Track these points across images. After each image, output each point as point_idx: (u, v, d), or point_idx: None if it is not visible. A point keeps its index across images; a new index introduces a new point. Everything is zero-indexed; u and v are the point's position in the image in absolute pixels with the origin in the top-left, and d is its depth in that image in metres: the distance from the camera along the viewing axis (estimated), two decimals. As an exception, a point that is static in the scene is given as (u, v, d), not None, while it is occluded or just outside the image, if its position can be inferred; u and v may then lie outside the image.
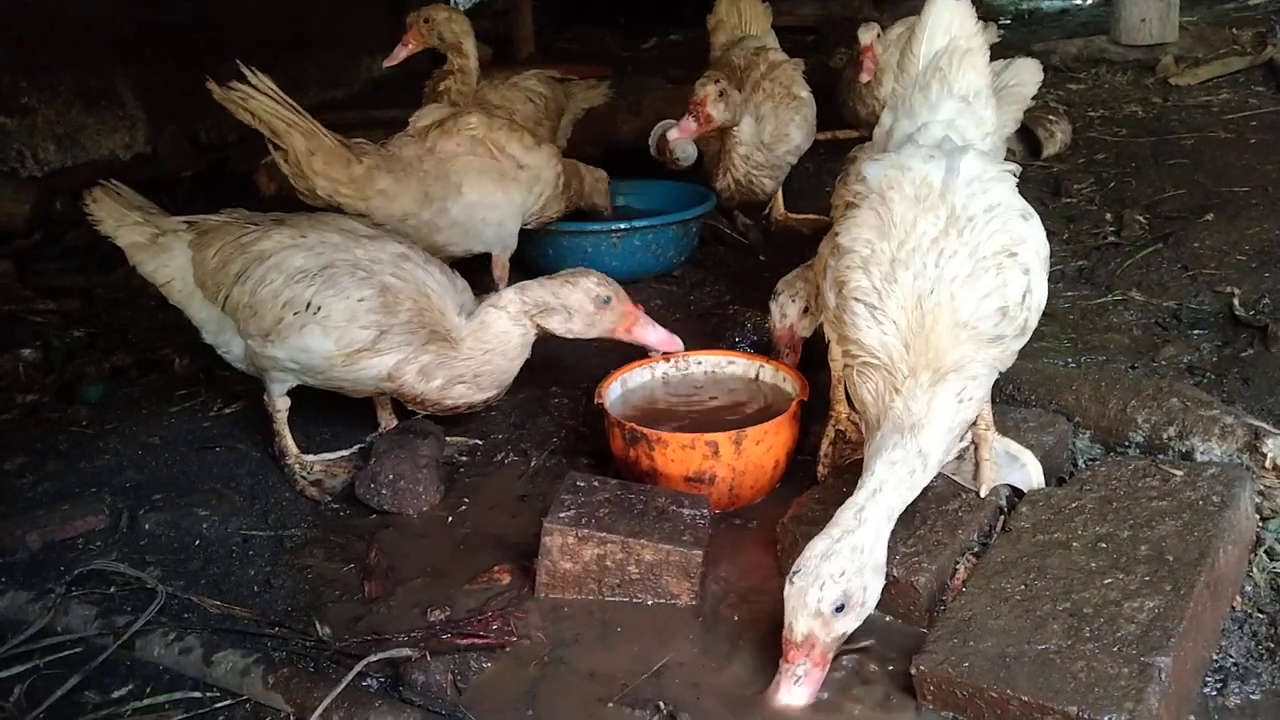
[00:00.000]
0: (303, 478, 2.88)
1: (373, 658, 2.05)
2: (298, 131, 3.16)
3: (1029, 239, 2.11)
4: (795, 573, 1.93)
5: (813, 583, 1.90)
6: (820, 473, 2.68)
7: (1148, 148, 5.60)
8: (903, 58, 2.54)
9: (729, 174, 4.33)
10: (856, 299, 2.09)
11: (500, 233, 3.62)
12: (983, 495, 2.35)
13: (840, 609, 1.90)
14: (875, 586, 1.96)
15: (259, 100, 3.10)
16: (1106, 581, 2.01)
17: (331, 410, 3.16)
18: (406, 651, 2.06)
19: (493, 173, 3.55)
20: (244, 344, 2.79)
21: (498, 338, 2.74)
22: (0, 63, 5.94)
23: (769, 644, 2.20)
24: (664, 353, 2.92)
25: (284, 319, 2.65)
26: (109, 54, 6.50)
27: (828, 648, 1.95)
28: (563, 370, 3.45)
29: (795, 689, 1.94)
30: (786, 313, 2.97)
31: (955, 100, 2.41)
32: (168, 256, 2.86)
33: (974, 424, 2.37)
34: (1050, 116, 5.97)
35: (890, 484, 2.00)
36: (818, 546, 1.94)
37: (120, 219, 2.91)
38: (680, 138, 4.02)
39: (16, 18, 5.91)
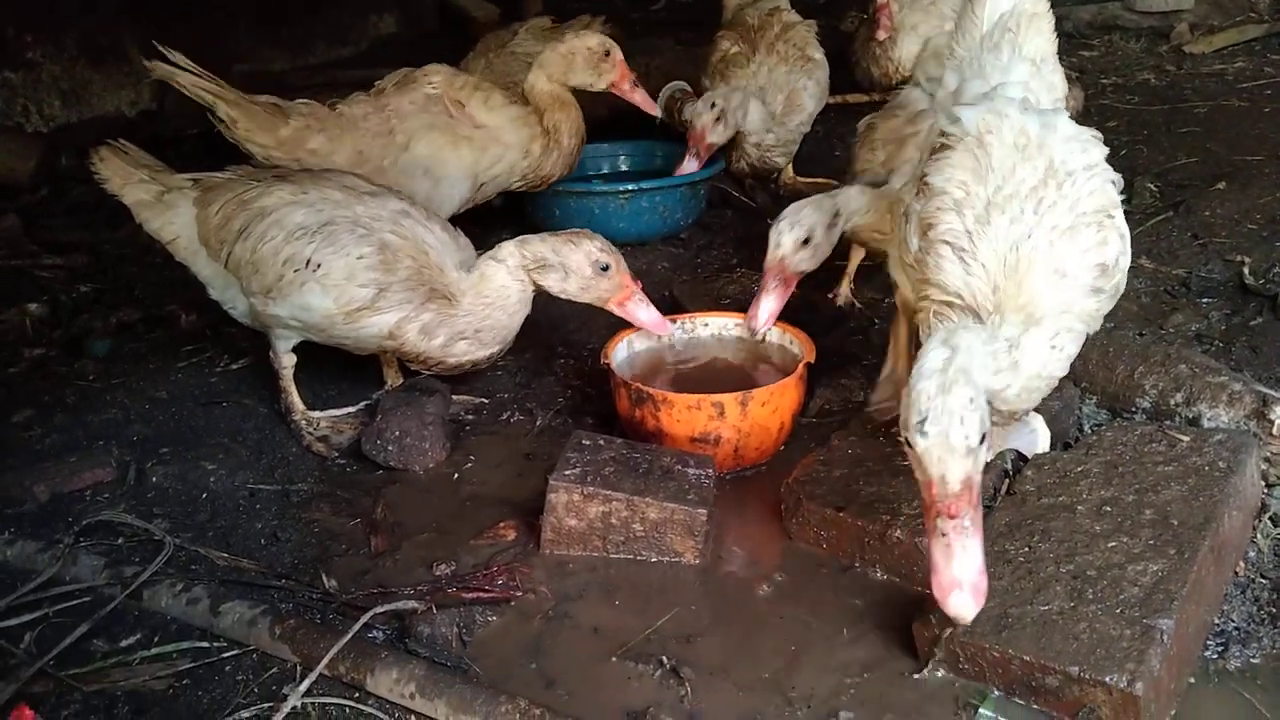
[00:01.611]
0: (309, 433, 2.89)
1: (379, 609, 2.06)
2: (222, 101, 3.25)
3: (1120, 206, 2.09)
4: (922, 421, 1.74)
5: (951, 421, 1.73)
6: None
7: (1160, 116, 5.56)
8: (962, 18, 2.50)
9: (743, 159, 4.33)
10: (946, 241, 2.04)
11: (435, 193, 3.46)
12: (988, 458, 2.34)
13: (983, 439, 1.76)
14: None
15: (184, 76, 3.21)
16: (1110, 545, 2.01)
17: (337, 368, 3.17)
18: (412, 604, 2.08)
19: (443, 130, 3.46)
20: (248, 301, 2.79)
21: (497, 292, 2.73)
22: (5, 16, 5.89)
23: (774, 602, 2.22)
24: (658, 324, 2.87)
25: (285, 276, 2.65)
26: (116, 9, 6.45)
27: (979, 487, 1.77)
28: (569, 331, 3.45)
29: (970, 544, 1.74)
30: (781, 241, 2.79)
31: (1027, 63, 2.36)
32: (173, 214, 2.86)
33: None
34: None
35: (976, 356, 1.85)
36: (929, 386, 1.77)
37: (126, 177, 2.91)
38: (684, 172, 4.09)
39: (24, -28, 5.88)
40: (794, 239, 2.77)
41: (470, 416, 3.03)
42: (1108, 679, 1.74)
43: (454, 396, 3.01)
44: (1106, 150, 2.12)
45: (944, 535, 1.74)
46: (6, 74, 6.04)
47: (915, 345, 2.44)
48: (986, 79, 2.37)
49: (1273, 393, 2.39)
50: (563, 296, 2.78)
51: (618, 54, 3.69)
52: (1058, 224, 1.97)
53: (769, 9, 4.70)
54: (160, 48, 3.19)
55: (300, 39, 7.81)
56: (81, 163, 3.02)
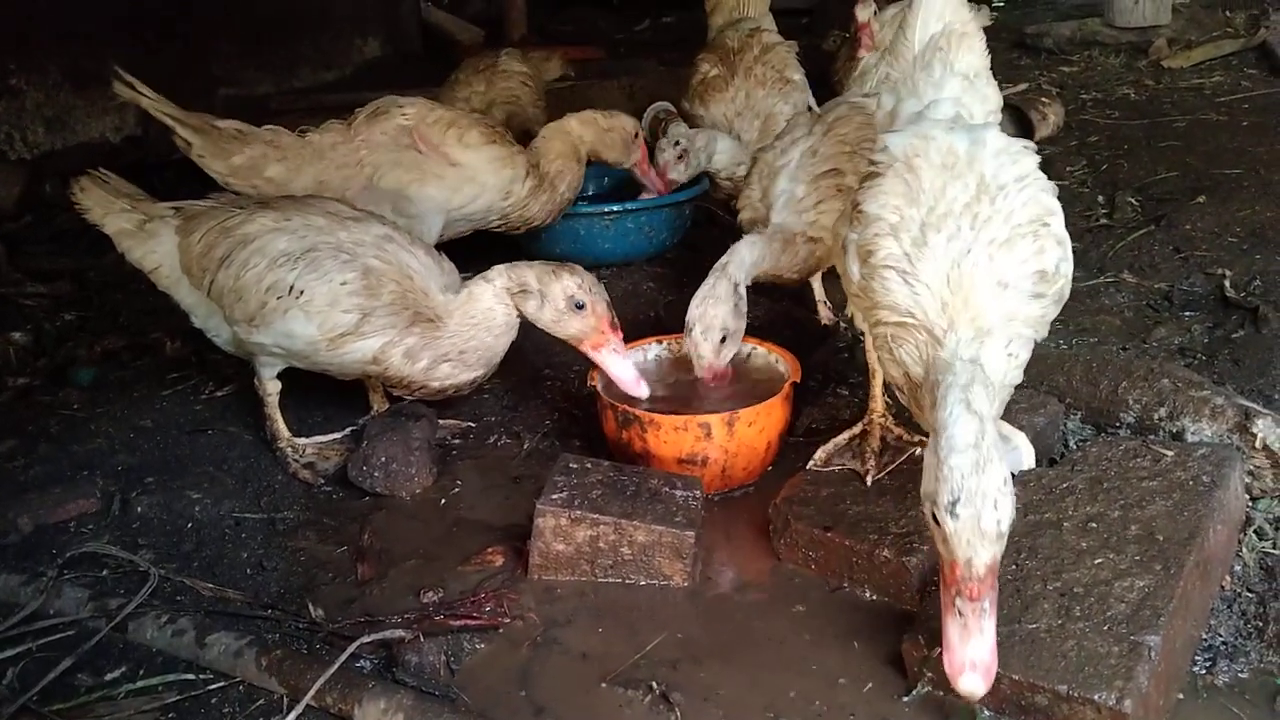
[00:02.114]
0: (295, 461, 2.88)
1: (365, 639, 2.05)
2: (180, 124, 3.24)
3: (1057, 212, 2.10)
4: (954, 502, 1.71)
5: (985, 504, 1.70)
6: (868, 475, 2.49)
7: (1140, 130, 5.61)
8: (895, 41, 2.54)
9: (718, 192, 4.32)
10: (887, 265, 2.05)
11: (414, 228, 3.32)
12: None
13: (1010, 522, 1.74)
14: None
15: (145, 100, 3.20)
16: (1097, 561, 2.02)
17: (323, 394, 3.16)
18: (400, 633, 2.06)
19: (410, 166, 3.39)
20: (231, 330, 2.78)
21: (483, 313, 2.72)
22: (-13, 44, 5.89)
23: (763, 623, 2.22)
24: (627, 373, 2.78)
25: (268, 303, 2.64)
26: (100, 36, 6.44)
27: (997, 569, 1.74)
28: (555, 354, 3.45)
29: (985, 626, 1.70)
30: (702, 353, 2.73)
31: (959, 79, 2.40)
32: (155, 243, 2.86)
33: None
34: (1043, 99, 5.97)
35: (976, 393, 1.86)
36: (963, 464, 1.74)
37: (107, 207, 2.91)
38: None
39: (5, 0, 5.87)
40: (712, 344, 2.73)
41: (457, 441, 3.02)
42: (1096, 697, 1.74)
43: (440, 421, 3.00)
44: (1038, 159, 2.14)
45: (961, 615, 1.71)
46: (-11, 102, 6.03)
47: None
48: (921, 97, 2.39)
49: (1255, 406, 2.40)
50: (539, 326, 2.77)
51: (643, 137, 3.87)
52: (995, 237, 1.98)
53: (750, 30, 4.73)
54: (119, 72, 3.19)
55: (285, 63, 7.82)
56: (65, 190, 3.02)
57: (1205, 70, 6.79)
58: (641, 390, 2.72)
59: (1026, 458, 2.40)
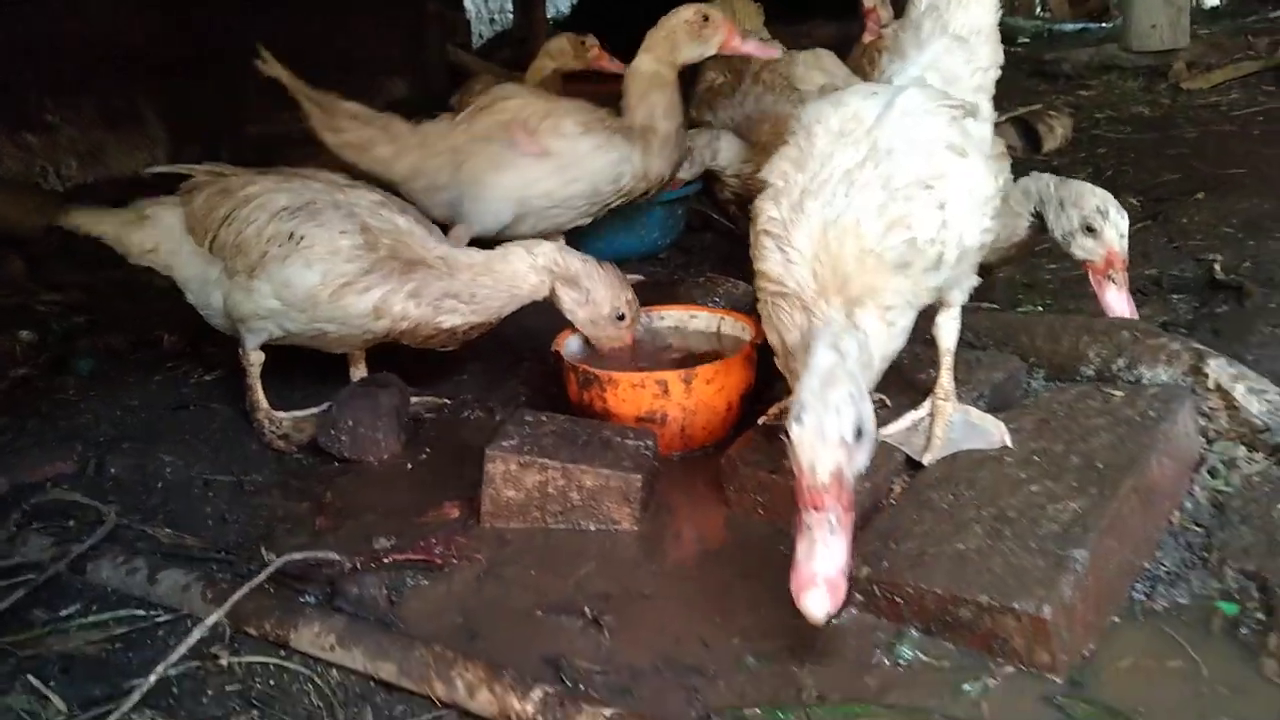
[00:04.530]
0: (271, 431, 2.93)
1: (294, 556, 2.08)
2: (309, 102, 3.61)
3: (953, 174, 2.06)
4: (800, 412, 1.71)
5: (826, 411, 1.70)
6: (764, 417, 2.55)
7: (1150, 142, 5.60)
8: (908, 6, 2.53)
9: (725, 190, 4.36)
10: (766, 231, 2.06)
11: (479, 210, 3.55)
12: (925, 463, 2.25)
13: (859, 435, 1.73)
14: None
15: (284, 76, 3.62)
16: (1034, 489, 2.00)
17: (304, 375, 3.20)
18: (331, 555, 2.09)
19: (491, 155, 3.50)
20: (223, 297, 2.85)
21: (511, 274, 2.77)
22: (27, 81, 6.13)
23: (705, 561, 2.22)
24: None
25: (268, 252, 2.72)
26: (133, 75, 6.68)
27: (851, 488, 1.72)
28: (536, 339, 3.48)
29: (833, 542, 1.66)
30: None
31: (949, 38, 2.38)
32: (152, 224, 2.98)
33: (933, 392, 2.34)
34: (1051, 112, 5.99)
35: (846, 341, 1.86)
36: (813, 382, 1.75)
37: (98, 218, 3.05)
38: None
39: (43, 39, 6.12)
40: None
41: (431, 415, 3.06)
42: (1017, 605, 1.72)
43: (416, 397, 3.04)
44: (954, 113, 2.12)
45: (808, 529, 1.68)
46: (26, 136, 6.26)
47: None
48: (905, 59, 2.40)
49: (1208, 349, 2.37)
50: (567, 315, 2.84)
51: (716, 14, 3.59)
52: (867, 203, 1.96)
53: (754, 38, 4.79)
54: (262, 51, 3.67)
55: (316, 102, 8.01)
56: None
57: (1223, 90, 6.77)
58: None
59: (999, 439, 2.32)
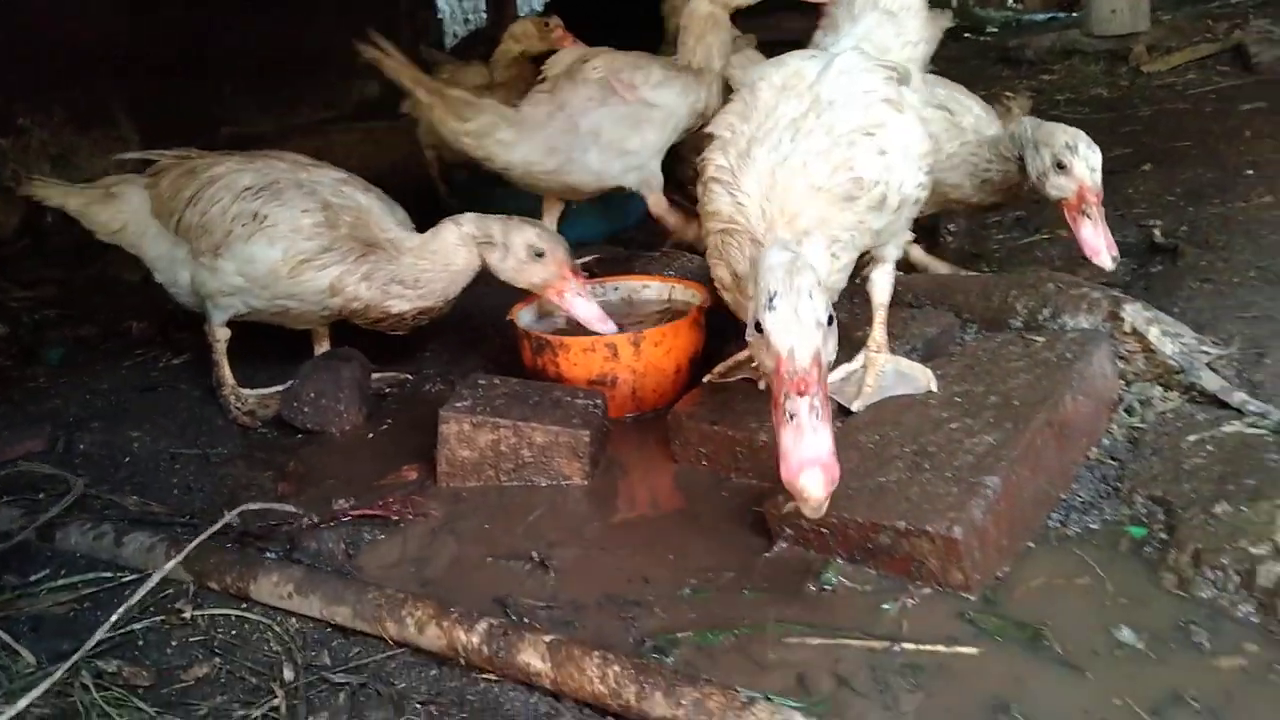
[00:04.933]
0: (237, 407, 3.01)
1: (248, 507, 2.17)
2: (420, 88, 3.54)
3: (892, 125, 2.19)
4: (772, 298, 1.75)
5: (799, 296, 1.74)
6: (760, 381, 2.58)
7: (1106, 121, 5.71)
8: None
9: (689, 168, 4.46)
10: (714, 179, 2.17)
11: (643, 174, 3.66)
12: (855, 410, 2.33)
13: (831, 320, 1.78)
14: None
15: (393, 63, 3.52)
16: (953, 426, 2.10)
17: (270, 355, 3.28)
18: (289, 508, 2.17)
19: (625, 120, 3.58)
20: (190, 275, 2.94)
21: (444, 251, 2.85)
22: (-3, 84, 6.19)
23: (650, 509, 2.33)
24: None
25: (232, 231, 2.81)
26: (103, 76, 6.73)
27: (827, 373, 1.75)
28: (497, 316, 3.56)
29: (819, 425, 1.68)
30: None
31: (879, 12, 2.51)
32: (120, 203, 3.06)
33: (866, 345, 2.44)
34: (1007, 94, 6.09)
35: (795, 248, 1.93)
36: (778, 269, 1.79)
37: (65, 191, 3.12)
38: None
39: (11, 41, 6.17)
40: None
41: (393, 390, 3.15)
42: (930, 528, 1.82)
43: (377, 374, 3.13)
44: (891, 74, 2.25)
45: (793, 417, 1.70)
46: (-2, 140, 6.30)
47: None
48: (838, 32, 2.52)
49: (1126, 297, 2.48)
50: (501, 277, 2.90)
51: None
52: (812, 147, 2.08)
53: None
54: (375, 36, 3.52)
55: (286, 103, 8.09)
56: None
57: (1180, 71, 6.89)
58: (607, 326, 2.81)
59: (924, 385, 2.42)
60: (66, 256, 5.12)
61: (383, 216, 2.93)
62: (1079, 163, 2.67)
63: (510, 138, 3.56)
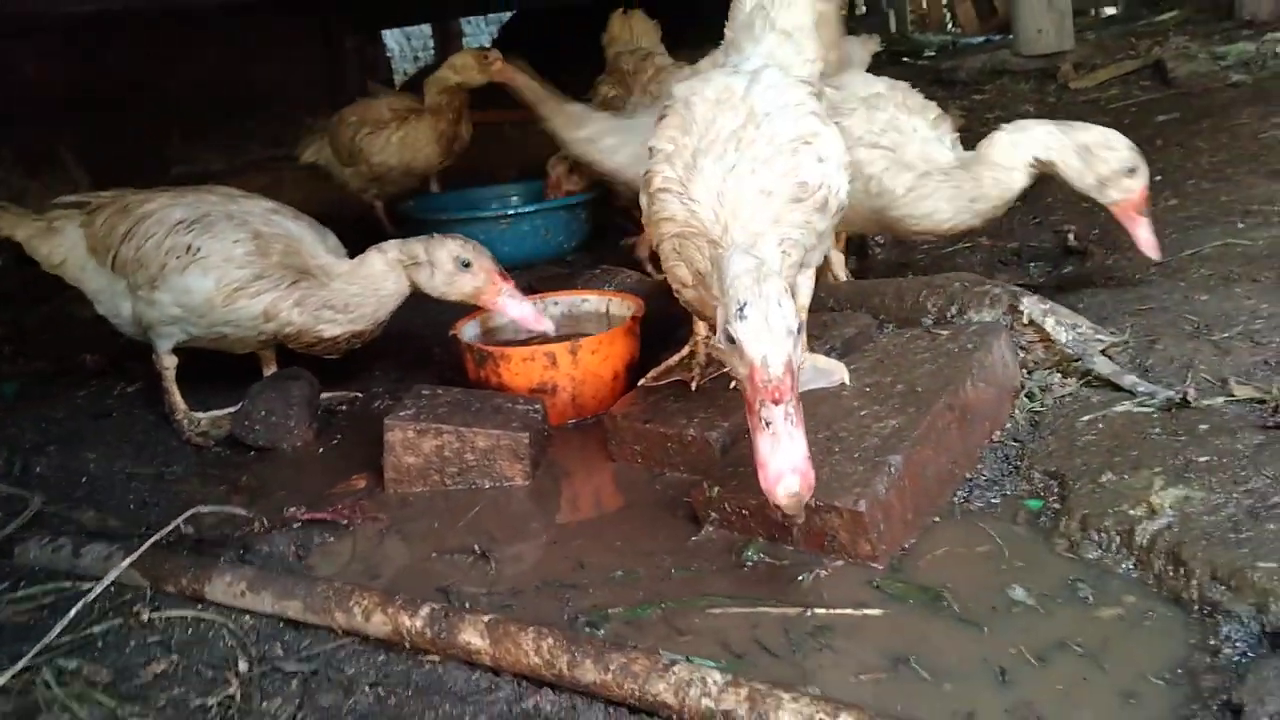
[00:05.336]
0: (190, 430, 3.11)
1: (199, 509, 2.27)
2: (544, 106, 4.04)
3: (824, 135, 2.34)
4: (742, 307, 1.81)
5: (769, 304, 1.79)
6: (693, 382, 2.69)
7: (1028, 136, 5.92)
8: (732, 7, 2.81)
9: (620, 197, 4.61)
10: (663, 189, 2.29)
11: None
12: None
13: (801, 327, 1.85)
14: None
15: (520, 78, 4.06)
16: (863, 413, 2.26)
17: (219, 380, 3.38)
18: (239, 511, 2.28)
19: None
20: (131, 306, 3.04)
21: (371, 277, 2.98)
22: (-59, 131, 6.24)
23: (586, 504, 2.46)
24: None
25: (167, 264, 2.92)
26: (50, 118, 6.80)
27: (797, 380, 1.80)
28: (444, 333, 3.69)
29: (794, 432, 1.75)
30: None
31: (777, 34, 2.65)
32: (60, 238, 3.15)
33: None
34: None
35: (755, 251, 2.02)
36: (745, 278, 1.86)
37: (16, 221, 3.23)
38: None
39: (-41, 86, 6.25)
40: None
41: (343, 408, 3.26)
42: (837, 503, 1.97)
43: (327, 393, 3.24)
44: (810, 90, 2.41)
45: (769, 425, 1.75)
46: (-54, 186, 6.33)
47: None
48: (742, 53, 2.68)
49: (1024, 291, 2.66)
50: (434, 294, 3.01)
51: None
52: (758, 155, 2.22)
53: (643, 54, 5.09)
54: (488, 50, 4.31)
55: (235, 141, 8.18)
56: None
57: (1105, 87, 7.16)
58: (545, 325, 2.94)
59: (839, 379, 2.58)
60: (18, 297, 5.18)
61: (313, 244, 3.05)
62: (1143, 165, 2.83)
63: (612, 144, 3.90)
